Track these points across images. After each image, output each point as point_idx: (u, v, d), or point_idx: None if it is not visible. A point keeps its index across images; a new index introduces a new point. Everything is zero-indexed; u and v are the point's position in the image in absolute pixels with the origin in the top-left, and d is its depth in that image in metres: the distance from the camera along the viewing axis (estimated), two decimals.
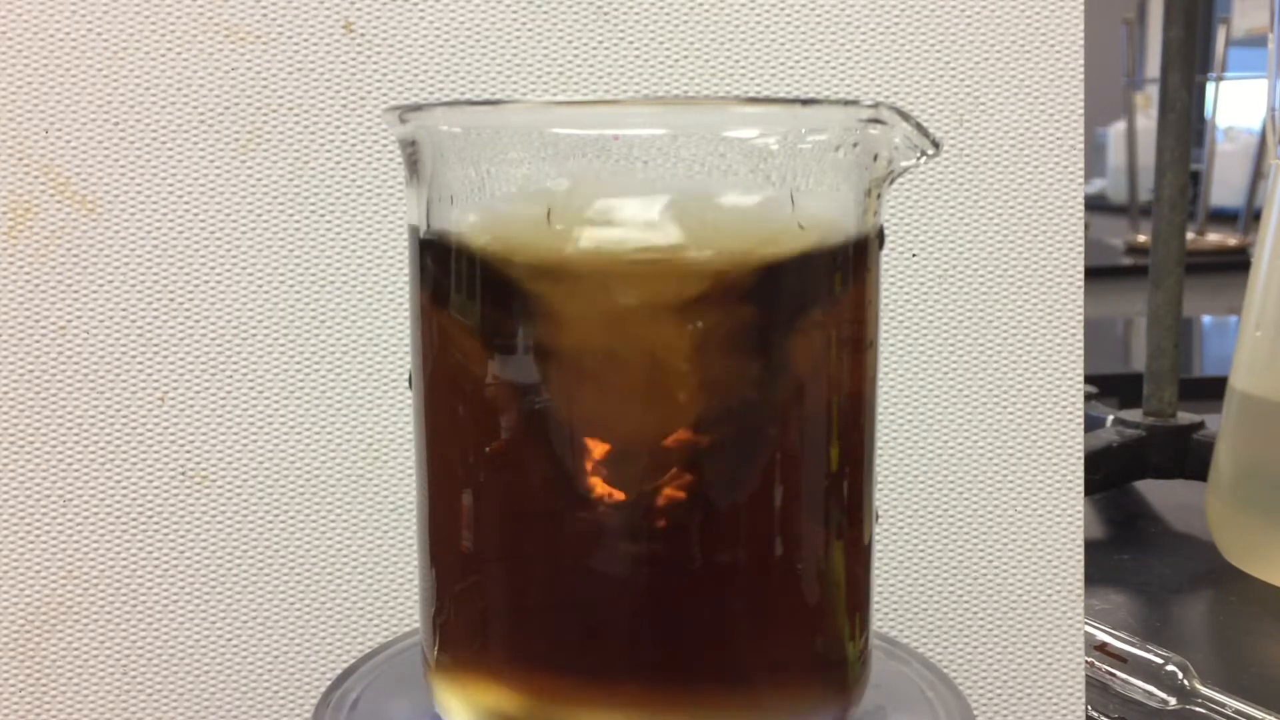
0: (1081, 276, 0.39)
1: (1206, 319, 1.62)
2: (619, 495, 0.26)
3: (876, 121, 0.26)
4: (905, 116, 0.26)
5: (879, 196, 0.28)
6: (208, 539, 0.38)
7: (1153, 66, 2.57)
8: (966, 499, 0.39)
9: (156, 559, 0.38)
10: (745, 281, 0.26)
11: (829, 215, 0.26)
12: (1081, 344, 0.39)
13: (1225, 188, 2.17)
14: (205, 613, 0.38)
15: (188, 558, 0.38)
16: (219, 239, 0.37)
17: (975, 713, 0.31)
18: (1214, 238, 1.96)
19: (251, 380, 0.38)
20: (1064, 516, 0.39)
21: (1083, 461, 0.39)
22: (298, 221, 0.38)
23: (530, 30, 0.37)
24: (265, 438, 0.38)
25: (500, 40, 0.37)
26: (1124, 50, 1.99)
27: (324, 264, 0.38)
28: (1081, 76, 0.38)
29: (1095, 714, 0.44)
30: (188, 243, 0.37)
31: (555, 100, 0.36)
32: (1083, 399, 0.39)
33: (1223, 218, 2.14)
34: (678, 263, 0.25)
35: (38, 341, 0.37)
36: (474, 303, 0.26)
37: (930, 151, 0.27)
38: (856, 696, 0.29)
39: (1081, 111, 0.39)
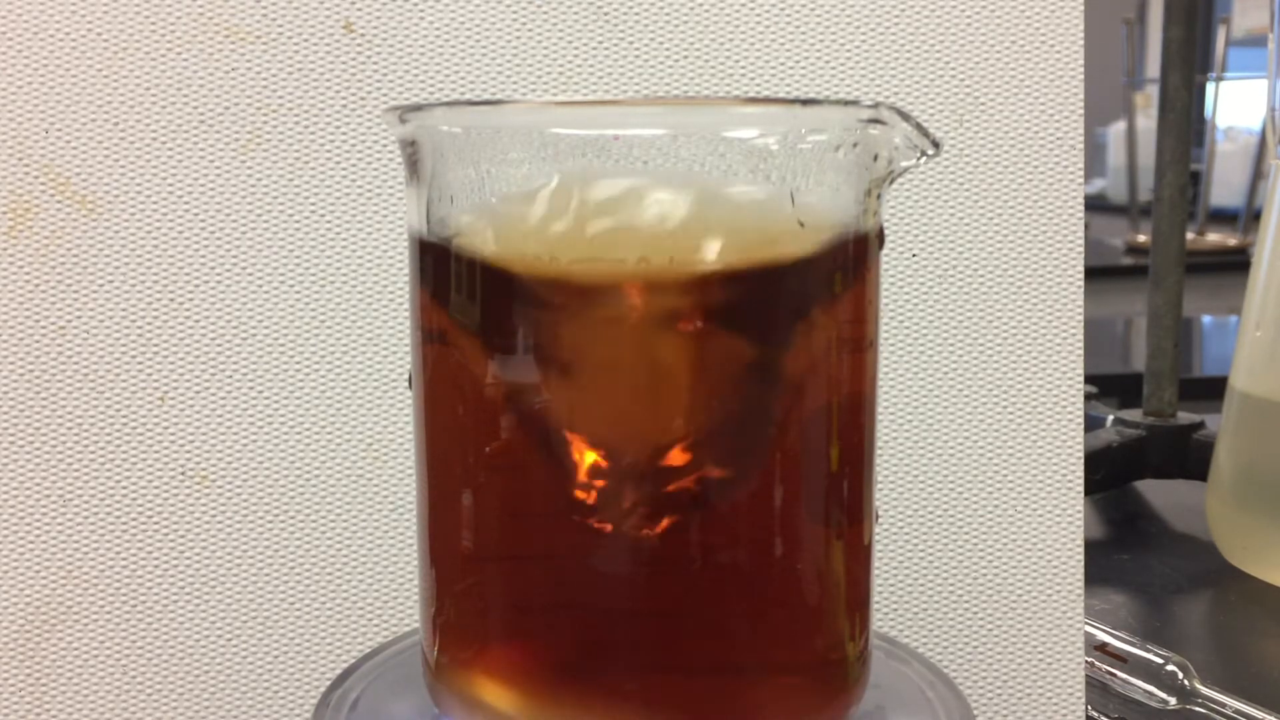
0: (1081, 276, 0.39)
1: (1206, 319, 1.62)
2: (619, 495, 0.26)
3: (876, 121, 0.26)
4: (905, 116, 0.26)
5: (879, 196, 0.28)
6: (208, 539, 0.38)
7: (1153, 66, 2.57)
8: (966, 499, 0.39)
9: (156, 559, 0.38)
10: (745, 281, 0.26)
11: (829, 215, 0.26)
12: (1081, 344, 0.39)
13: (1225, 188, 2.17)
14: (205, 613, 0.38)
15: (188, 558, 0.38)
16: (219, 239, 0.37)
17: (975, 713, 0.31)
18: (1214, 238, 1.96)
19: (251, 380, 0.38)
20: (1064, 516, 0.39)
21: (1083, 461, 0.39)
22: (298, 221, 0.38)
23: (530, 30, 0.37)
24: (265, 438, 0.38)
25: (500, 40, 0.37)
26: (1124, 50, 1.99)
27: (324, 264, 0.38)
28: (1081, 76, 0.38)
29: (1095, 714, 0.44)
30: (188, 243, 0.37)
31: (555, 100, 0.36)
32: (1083, 399, 0.39)
33: (1223, 218, 2.14)
34: (677, 263, 0.25)
35: (38, 341, 0.37)
36: (473, 303, 0.26)
37: (930, 151, 0.27)
38: (856, 696, 0.29)
39: (1081, 111, 0.39)
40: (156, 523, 0.38)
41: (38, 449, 0.38)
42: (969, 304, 0.39)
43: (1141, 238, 1.87)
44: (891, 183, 0.28)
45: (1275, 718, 0.41)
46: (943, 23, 0.38)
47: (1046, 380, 0.39)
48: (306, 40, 0.37)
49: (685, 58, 0.38)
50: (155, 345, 0.38)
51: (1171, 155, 0.65)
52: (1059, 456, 0.39)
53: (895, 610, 0.40)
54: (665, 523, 0.26)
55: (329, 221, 0.38)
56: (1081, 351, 0.39)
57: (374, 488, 0.38)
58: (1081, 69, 0.38)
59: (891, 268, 0.39)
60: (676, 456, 0.26)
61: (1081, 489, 0.39)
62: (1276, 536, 0.56)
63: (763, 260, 0.26)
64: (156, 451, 0.38)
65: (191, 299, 0.37)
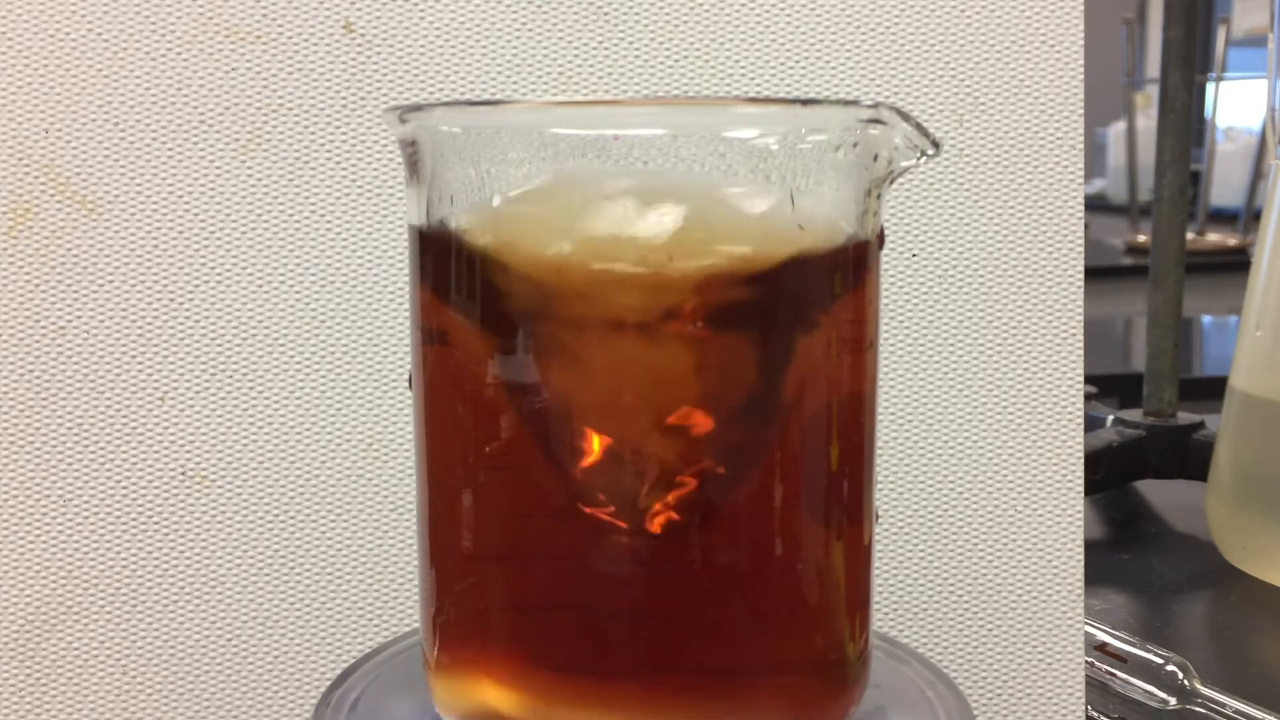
0: (1081, 276, 0.39)
1: (1206, 319, 1.62)
2: (618, 495, 0.26)
3: (876, 122, 0.26)
4: (905, 116, 0.26)
5: (879, 197, 0.28)
6: (208, 539, 0.38)
7: (1153, 66, 2.57)
8: (966, 499, 0.39)
9: (156, 559, 0.38)
10: (745, 282, 0.25)
11: (829, 215, 0.26)
12: (1081, 344, 0.39)
13: (1225, 188, 2.17)
14: (205, 613, 0.38)
15: (188, 558, 0.38)
16: (219, 239, 0.37)
17: (975, 713, 0.31)
18: (1214, 238, 1.96)
19: (251, 380, 0.38)
20: (1064, 516, 0.39)
21: (1083, 461, 0.39)
22: (298, 221, 0.38)
23: (530, 30, 0.37)
24: (265, 438, 0.38)
25: (500, 40, 0.37)
26: (1124, 50, 1.99)
27: (324, 264, 0.38)
28: (1081, 76, 0.38)
29: (1095, 714, 0.44)
30: (188, 243, 0.37)
31: (555, 100, 0.36)
32: (1083, 399, 0.39)
33: (1223, 218, 2.14)
34: (677, 263, 0.25)
35: (38, 341, 0.37)
36: (474, 303, 0.26)
37: (930, 151, 0.27)
38: (856, 696, 0.29)
39: (1081, 111, 0.39)
40: (156, 523, 0.38)
41: (38, 449, 0.38)
42: (969, 304, 0.39)
43: (1141, 238, 1.87)
44: (891, 183, 0.28)
45: (1275, 718, 0.41)
46: (943, 23, 0.38)
47: (1046, 380, 0.39)
48: (306, 40, 0.37)
49: (685, 58, 0.38)
50: (155, 345, 0.38)
51: (1171, 155, 0.65)
52: (1059, 456, 0.39)
53: (895, 610, 0.40)
54: (665, 523, 0.26)
55: (329, 221, 0.38)
56: (1081, 351, 0.39)
57: (374, 488, 0.38)
58: (1081, 69, 0.38)
59: (891, 268, 0.39)
60: (676, 457, 0.26)
61: (1081, 489, 0.39)
62: (1276, 536, 0.56)
63: (763, 260, 0.26)
64: (156, 451, 0.38)
65: (191, 299, 0.37)
